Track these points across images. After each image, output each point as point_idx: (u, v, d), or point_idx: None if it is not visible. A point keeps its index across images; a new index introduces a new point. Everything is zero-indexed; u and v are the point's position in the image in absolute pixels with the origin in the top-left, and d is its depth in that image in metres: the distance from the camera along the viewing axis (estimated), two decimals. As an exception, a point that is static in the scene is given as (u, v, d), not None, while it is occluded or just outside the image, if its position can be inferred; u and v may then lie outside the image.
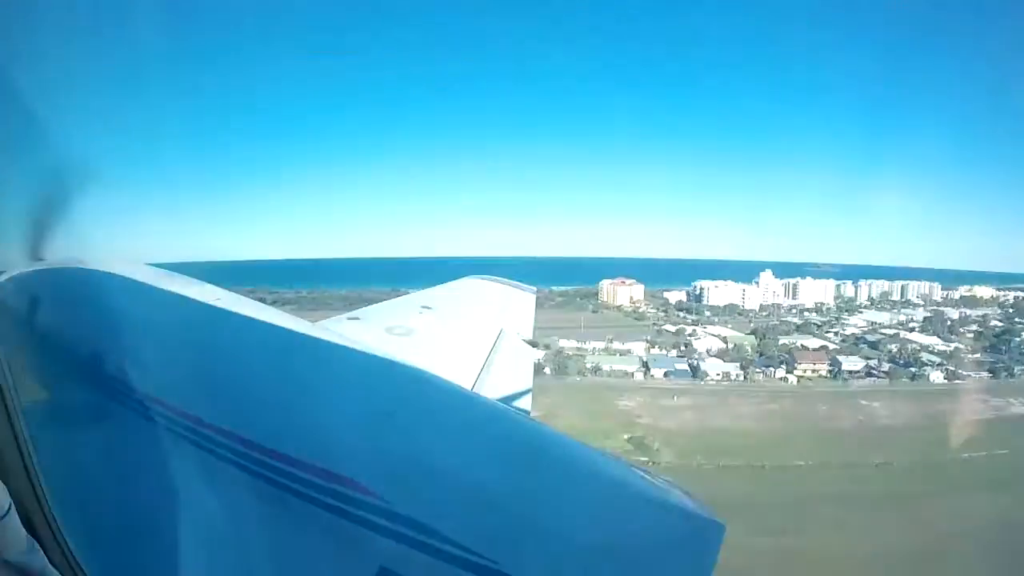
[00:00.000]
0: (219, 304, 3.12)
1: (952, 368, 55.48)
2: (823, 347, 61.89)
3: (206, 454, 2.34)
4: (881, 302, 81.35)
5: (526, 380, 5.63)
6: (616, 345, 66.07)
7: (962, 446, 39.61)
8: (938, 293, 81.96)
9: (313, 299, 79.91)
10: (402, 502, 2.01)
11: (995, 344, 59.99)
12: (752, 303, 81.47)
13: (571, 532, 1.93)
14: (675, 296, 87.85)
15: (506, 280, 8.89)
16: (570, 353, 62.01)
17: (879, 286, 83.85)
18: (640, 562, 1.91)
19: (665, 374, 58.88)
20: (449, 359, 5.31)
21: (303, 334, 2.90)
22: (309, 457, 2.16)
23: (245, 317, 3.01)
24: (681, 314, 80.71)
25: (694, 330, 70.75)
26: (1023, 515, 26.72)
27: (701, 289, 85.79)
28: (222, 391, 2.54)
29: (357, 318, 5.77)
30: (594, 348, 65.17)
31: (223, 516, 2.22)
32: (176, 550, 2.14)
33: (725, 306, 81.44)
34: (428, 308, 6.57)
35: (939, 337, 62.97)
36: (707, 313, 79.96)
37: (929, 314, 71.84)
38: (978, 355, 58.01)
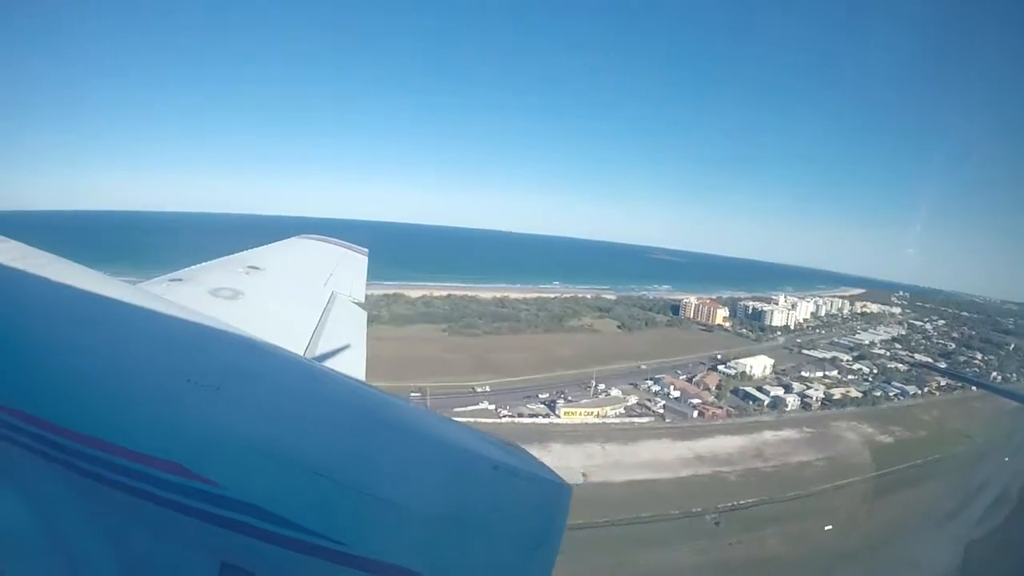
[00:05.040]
0: (19, 263, 2.61)
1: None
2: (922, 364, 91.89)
3: (5, 444, 2.11)
4: (844, 317, 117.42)
5: (360, 344, 5.57)
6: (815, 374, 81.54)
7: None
8: (847, 307, 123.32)
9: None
10: (237, 486, 1.88)
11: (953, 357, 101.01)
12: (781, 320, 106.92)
13: (418, 504, 1.89)
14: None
15: (337, 240, 9.05)
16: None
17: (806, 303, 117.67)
18: (490, 528, 1.93)
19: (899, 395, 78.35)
20: (280, 323, 5.25)
21: (118, 298, 2.52)
22: (128, 442, 1.95)
23: (52, 278, 2.53)
24: (776, 334, 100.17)
25: (836, 357, 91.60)
26: None
27: (754, 308, 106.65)
28: (23, 368, 2.18)
29: (180, 279, 5.57)
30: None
31: (32, 515, 2.05)
32: None
33: (783, 326, 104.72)
34: (256, 268, 6.44)
35: (928, 355, 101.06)
36: (778, 334, 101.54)
37: (893, 333, 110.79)
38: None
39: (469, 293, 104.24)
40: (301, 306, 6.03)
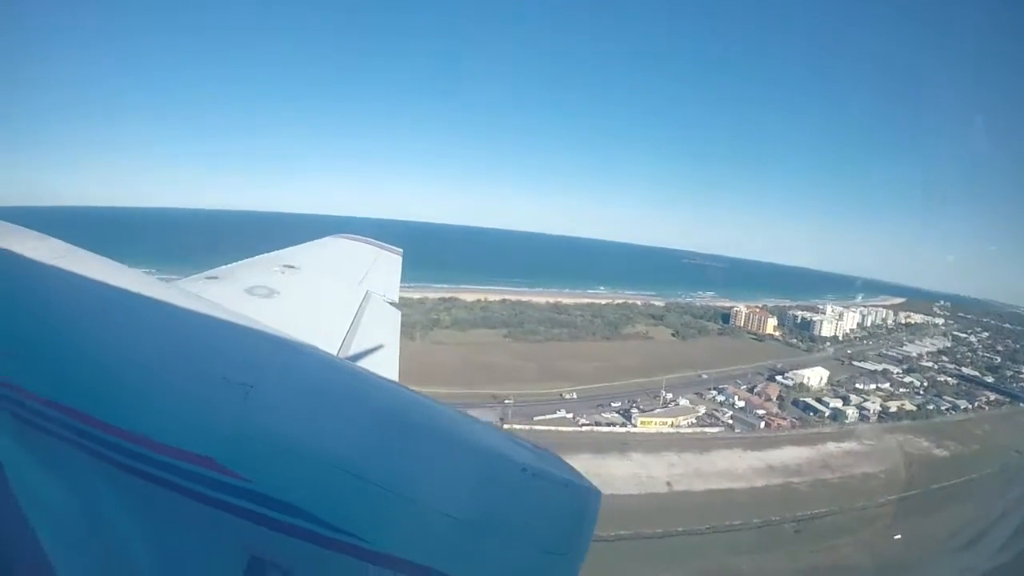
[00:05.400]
0: (61, 262, 2.69)
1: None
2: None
3: (43, 435, 2.23)
4: (889, 328, 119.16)
5: (394, 344, 5.73)
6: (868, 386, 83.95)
7: None
8: (891, 317, 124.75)
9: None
10: (267, 482, 1.96)
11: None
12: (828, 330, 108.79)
13: (445, 504, 1.93)
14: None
15: (372, 240, 9.26)
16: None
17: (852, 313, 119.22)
18: (517, 531, 1.95)
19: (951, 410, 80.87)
20: (314, 322, 5.38)
21: (156, 296, 2.62)
22: (164, 437, 2.05)
23: (91, 276, 2.63)
24: (825, 345, 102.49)
25: (886, 369, 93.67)
26: None
27: (802, 318, 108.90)
28: (65, 363, 2.29)
29: (216, 277, 5.72)
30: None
31: (66, 505, 2.17)
32: (10, 543, 2.13)
33: (832, 337, 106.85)
34: (292, 267, 6.60)
35: (975, 369, 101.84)
36: (827, 344, 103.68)
37: (938, 345, 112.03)
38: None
39: (523, 298, 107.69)
40: (335, 305, 6.17)
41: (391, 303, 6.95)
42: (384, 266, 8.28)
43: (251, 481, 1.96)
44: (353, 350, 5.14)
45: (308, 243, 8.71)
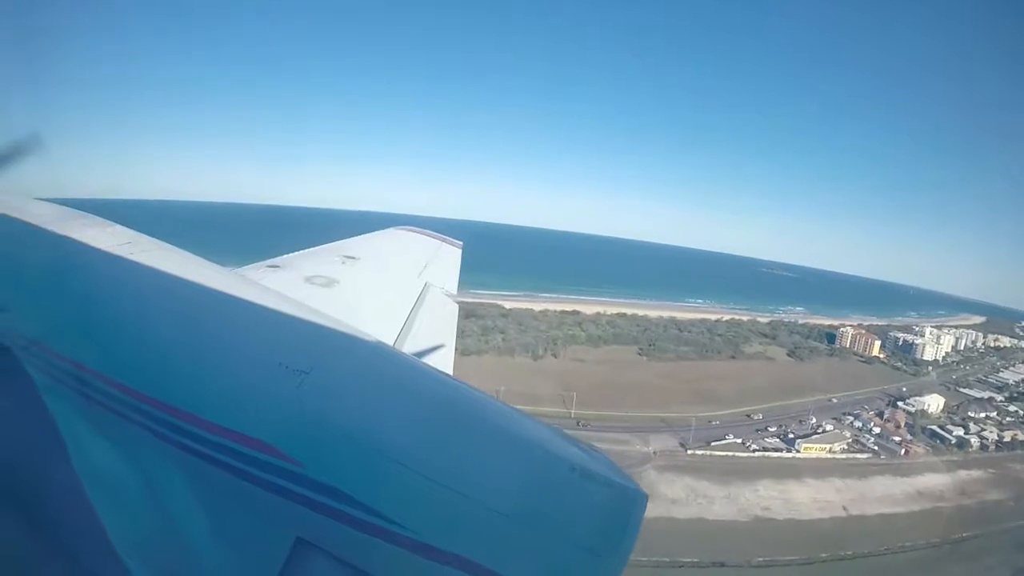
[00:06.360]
0: (125, 248, 2.88)
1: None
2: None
3: (108, 413, 2.38)
4: (980, 351, 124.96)
5: (450, 337, 5.85)
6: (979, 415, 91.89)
7: None
8: (980, 340, 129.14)
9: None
10: (317, 467, 2.04)
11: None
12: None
13: (492, 499, 1.97)
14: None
15: (432, 232, 9.40)
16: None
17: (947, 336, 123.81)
18: (561, 529, 1.98)
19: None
20: (372, 312, 5.53)
21: (217, 283, 2.77)
22: (221, 419, 2.17)
23: (155, 264, 2.80)
24: (928, 369, 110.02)
25: (991, 397, 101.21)
26: None
27: (904, 340, 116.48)
28: (130, 348, 2.46)
29: (277, 266, 5.92)
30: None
31: (125, 480, 2.31)
32: (72, 516, 2.28)
33: (932, 360, 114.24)
34: (352, 258, 6.81)
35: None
36: (929, 368, 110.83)
37: None
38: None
39: (638, 312, 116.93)
40: (394, 296, 6.34)
41: (449, 295, 7.06)
42: (444, 259, 8.34)
43: (301, 465, 2.04)
44: (409, 341, 5.33)
45: (369, 234, 8.87)
